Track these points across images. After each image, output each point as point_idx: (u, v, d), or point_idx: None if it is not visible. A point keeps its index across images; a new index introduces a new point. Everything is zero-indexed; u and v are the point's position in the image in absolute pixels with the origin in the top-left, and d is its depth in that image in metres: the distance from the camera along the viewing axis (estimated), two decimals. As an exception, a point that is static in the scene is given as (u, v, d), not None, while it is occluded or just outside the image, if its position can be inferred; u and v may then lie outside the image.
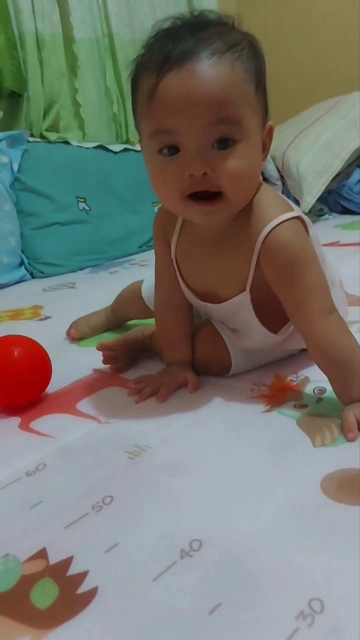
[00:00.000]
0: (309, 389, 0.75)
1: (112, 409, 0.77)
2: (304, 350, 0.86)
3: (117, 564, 0.47)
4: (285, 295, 0.70)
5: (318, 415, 0.68)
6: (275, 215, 0.69)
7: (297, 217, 0.70)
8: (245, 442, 0.64)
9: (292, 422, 0.68)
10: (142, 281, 1.03)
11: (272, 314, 0.75)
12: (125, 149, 2.18)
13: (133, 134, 2.25)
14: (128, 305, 1.05)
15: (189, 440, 0.66)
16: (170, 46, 0.60)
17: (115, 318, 1.10)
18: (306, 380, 0.78)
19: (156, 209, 2.20)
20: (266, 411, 0.71)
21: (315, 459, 0.59)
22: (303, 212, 0.75)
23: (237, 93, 0.61)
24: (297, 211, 0.71)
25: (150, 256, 1.92)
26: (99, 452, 0.66)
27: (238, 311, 0.76)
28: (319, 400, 0.72)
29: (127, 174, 2.12)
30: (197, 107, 0.60)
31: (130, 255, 1.93)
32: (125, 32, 2.19)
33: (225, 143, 0.62)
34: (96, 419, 0.74)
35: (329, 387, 0.74)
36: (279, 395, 0.75)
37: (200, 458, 0.62)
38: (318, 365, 0.70)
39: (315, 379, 0.78)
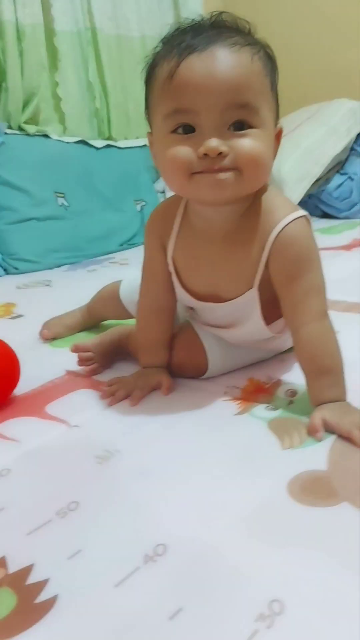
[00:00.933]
0: (280, 392, 0.76)
1: (83, 412, 0.76)
2: (278, 355, 0.87)
3: (79, 570, 0.47)
4: (286, 291, 0.70)
5: (288, 418, 0.69)
6: (287, 212, 0.70)
7: (305, 216, 0.71)
8: (215, 445, 0.64)
9: (263, 424, 0.68)
10: (120, 282, 1.03)
11: (272, 310, 0.75)
12: (108, 146, 2.17)
13: (116, 131, 2.24)
14: (105, 305, 1.05)
15: (159, 444, 0.66)
16: (191, 35, 0.63)
17: (91, 318, 1.09)
18: (278, 382, 0.79)
19: (138, 206, 2.20)
20: (238, 414, 0.71)
21: (282, 461, 0.60)
22: None
23: (256, 82, 0.63)
24: (303, 211, 0.72)
25: (131, 255, 1.93)
26: (67, 457, 0.66)
27: (242, 308, 0.76)
28: (290, 402, 0.73)
29: (109, 170, 2.11)
30: (217, 89, 0.61)
31: (110, 253, 1.92)
32: (109, 26, 2.17)
33: (242, 127, 0.62)
34: (65, 422, 0.74)
35: (300, 390, 0.74)
36: (252, 398, 0.75)
37: (169, 462, 0.62)
38: (300, 365, 0.71)
39: (287, 381, 0.78)
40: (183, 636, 0.40)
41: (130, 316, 0.99)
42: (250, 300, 0.74)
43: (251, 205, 0.71)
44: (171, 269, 0.79)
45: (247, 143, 0.62)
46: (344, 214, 2.10)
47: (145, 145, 2.27)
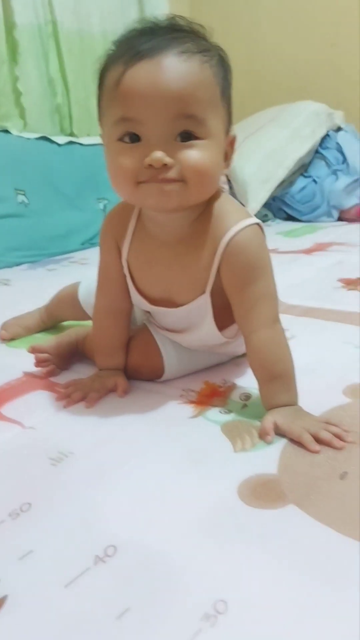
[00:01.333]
0: (235, 395, 0.77)
1: (38, 413, 0.76)
2: (233, 359, 0.89)
3: (29, 571, 0.48)
4: (237, 298, 0.72)
5: (241, 421, 0.70)
6: (238, 219, 0.70)
7: (258, 224, 0.72)
8: (169, 448, 0.65)
9: (216, 427, 0.69)
10: (79, 283, 1.03)
11: (225, 315, 0.76)
12: (71, 142, 2.15)
13: (78, 127, 2.23)
14: (64, 307, 1.05)
15: (113, 447, 0.67)
16: (142, 40, 0.62)
17: (50, 319, 1.09)
18: (233, 386, 0.80)
19: (101, 205, 2.19)
20: (193, 417, 0.72)
21: (234, 464, 0.61)
22: None
23: (204, 93, 0.62)
24: (255, 218, 0.73)
25: (91, 254, 1.92)
26: (21, 458, 0.65)
27: (195, 314, 0.77)
28: (244, 406, 0.74)
29: (71, 168, 2.09)
30: (162, 99, 0.60)
31: (70, 252, 1.91)
32: (70, 20, 2.16)
33: (188, 138, 0.62)
34: (20, 423, 0.73)
35: (254, 393, 0.76)
36: (207, 401, 0.76)
37: (122, 464, 0.63)
38: (252, 370, 0.72)
39: (241, 385, 0.80)
40: (129, 634, 0.41)
41: (88, 318, 0.99)
42: (203, 306, 0.75)
43: (204, 212, 0.72)
44: (126, 272, 0.79)
45: (193, 155, 0.62)
46: (307, 217, 2.14)
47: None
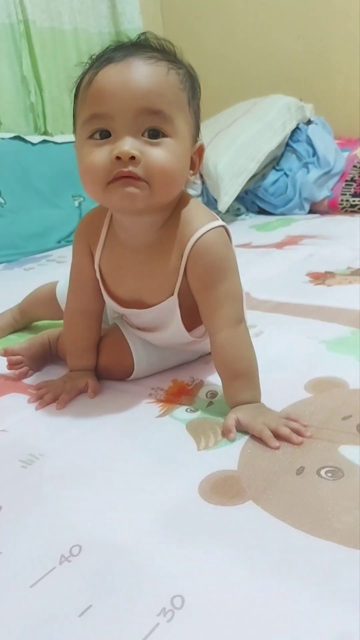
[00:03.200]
0: (202, 393, 0.80)
1: (10, 416, 0.78)
2: (202, 356, 0.91)
3: (-4, 572, 0.50)
4: (203, 299, 0.74)
5: (206, 419, 0.73)
6: (203, 222, 0.73)
7: (223, 227, 0.75)
8: (135, 448, 0.68)
9: (182, 426, 0.72)
10: (56, 283, 1.04)
11: (193, 316, 0.79)
12: (44, 141, 2.15)
13: (52, 126, 2.23)
14: (41, 305, 1.06)
15: (82, 448, 0.69)
16: (114, 51, 0.67)
17: (23, 319, 1.10)
18: (200, 384, 0.83)
19: (76, 202, 2.19)
20: (160, 416, 0.75)
21: (196, 462, 0.63)
22: (220, 211, 0.79)
23: (170, 93, 0.66)
24: (221, 221, 0.75)
25: (69, 252, 1.89)
26: (-8, 461, 0.68)
27: (164, 314, 0.79)
28: (210, 404, 0.77)
29: (46, 166, 2.09)
30: (131, 94, 0.64)
31: (47, 251, 1.91)
32: (42, 19, 2.15)
33: (156, 135, 0.65)
34: (-8, 426, 0.76)
35: (220, 391, 0.78)
36: (174, 400, 0.79)
37: (90, 465, 0.65)
38: (216, 369, 0.75)
39: (208, 382, 0.83)
40: (90, 631, 0.43)
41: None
42: (171, 307, 0.78)
43: (171, 217, 0.74)
44: (98, 276, 0.81)
45: (159, 154, 0.65)
46: (280, 210, 2.15)
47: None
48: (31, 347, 0.92)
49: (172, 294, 0.76)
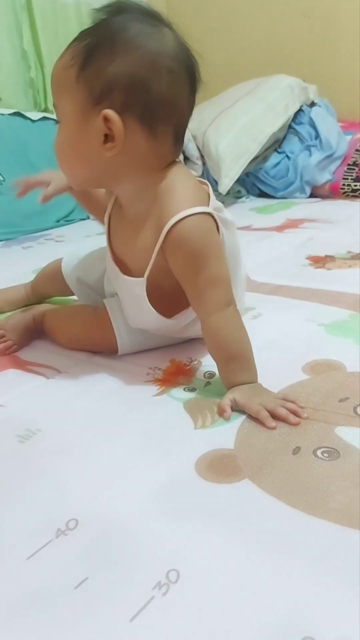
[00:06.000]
0: (199, 373, 0.80)
1: (8, 392, 0.78)
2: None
3: (-7, 544, 0.50)
4: (187, 285, 0.74)
5: (204, 399, 0.73)
6: (182, 207, 0.70)
7: (208, 214, 0.72)
8: (133, 425, 0.68)
9: (179, 405, 0.72)
10: (62, 259, 1.04)
11: (166, 300, 0.78)
12: (44, 118, 2.12)
13: (51, 101, 2.20)
14: (48, 282, 1.06)
15: (79, 424, 0.69)
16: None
17: (35, 295, 1.09)
18: (199, 364, 0.83)
19: (76, 181, 2.19)
20: (157, 394, 0.75)
21: (193, 440, 0.64)
22: (220, 193, 0.78)
23: (57, 79, 0.71)
24: (210, 207, 0.73)
25: (67, 232, 1.92)
26: (-11, 436, 0.68)
27: (134, 296, 0.79)
28: (208, 384, 0.77)
29: (45, 144, 2.05)
30: None
31: (46, 230, 1.90)
32: (44, -8, 2.12)
33: (58, 123, 0.72)
34: (-10, 402, 0.76)
35: (217, 371, 0.79)
36: (172, 379, 0.79)
37: (87, 441, 0.65)
38: (210, 353, 0.75)
39: (207, 363, 0.82)
40: (85, 603, 0.43)
41: (72, 293, 1.02)
42: (139, 289, 0.77)
43: (157, 193, 0.72)
44: (106, 225, 0.84)
45: (54, 142, 0.73)
46: (281, 193, 2.14)
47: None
48: (14, 321, 0.94)
49: (142, 276, 0.76)
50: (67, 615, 0.42)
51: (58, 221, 1.98)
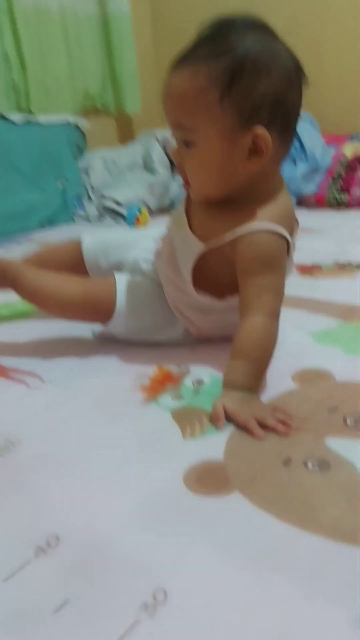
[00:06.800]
0: (188, 381, 0.78)
1: (-13, 399, 0.75)
2: (189, 345, 0.89)
3: (-31, 564, 0.47)
4: (243, 283, 0.74)
5: (192, 408, 0.71)
6: (274, 222, 0.73)
7: (287, 241, 0.75)
8: (118, 435, 0.66)
9: (167, 414, 0.70)
10: (78, 242, 1.02)
11: (204, 281, 0.81)
12: (28, 121, 2.10)
13: (35, 104, 2.17)
14: (56, 258, 1.02)
15: (61, 434, 0.66)
16: (190, 46, 0.70)
17: None
18: (186, 371, 0.81)
19: (60, 184, 2.15)
20: (144, 403, 0.73)
21: (181, 451, 0.62)
22: None
23: (191, 101, 0.69)
24: (285, 232, 0.74)
25: (51, 235, 1.89)
26: (-34, 446, 0.65)
27: (185, 252, 0.80)
28: (196, 392, 0.75)
29: (28, 146, 2.04)
30: (166, 111, 0.72)
31: (29, 232, 1.88)
32: (26, -1, 2.09)
33: (188, 144, 0.72)
34: (-32, 410, 0.73)
35: (206, 380, 0.77)
36: (159, 387, 0.77)
37: (69, 452, 0.62)
38: (232, 347, 0.72)
39: (195, 371, 0.81)
40: (66, 628, 0.41)
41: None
42: (194, 248, 0.78)
43: (260, 194, 0.75)
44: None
45: (188, 162, 0.74)
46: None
47: (67, 122, 2.22)
48: None
49: (204, 243, 0.77)
50: (45, 642, 0.40)
51: (41, 224, 1.95)
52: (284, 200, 0.77)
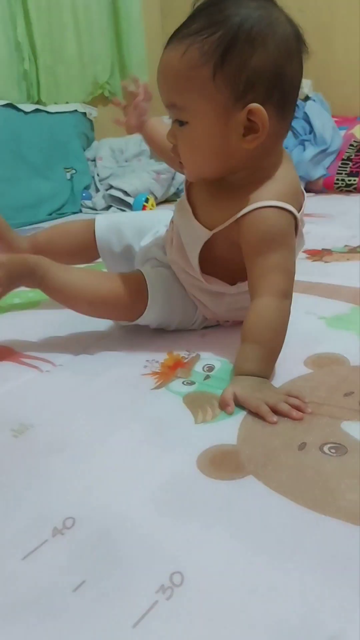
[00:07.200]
0: (198, 367, 0.78)
1: (1, 384, 0.75)
2: (198, 330, 0.89)
3: (-14, 544, 0.47)
4: (253, 262, 0.72)
5: (204, 393, 0.70)
6: (277, 198, 0.71)
7: (290, 212, 0.72)
8: (131, 419, 0.65)
9: (178, 399, 0.69)
10: (92, 222, 1.01)
11: (211, 267, 0.80)
12: (37, 110, 2.09)
13: (45, 94, 2.17)
14: (65, 241, 1.01)
15: (75, 418, 0.66)
16: (184, 21, 0.68)
17: (28, 250, 1.00)
18: (197, 357, 0.80)
19: (68, 174, 2.15)
20: (155, 388, 0.72)
21: (194, 435, 0.61)
22: None
23: (183, 79, 0.66)
24: (291, 207, 0.72)
25: (59, 224, 1.89)
26: (-19, 430, 0.65)
27: (192, 237, 0.79)
28: (207, 377, 0.75)
29: (37, 136, 2.04)
30: (160, 90, 0.71)
31: (38, 223, 1.87)
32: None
33: (182, 122, 0.70)
34: (-18, 395, 0.73)
35: (217, 365, 0.77)
36: (170, 373, 0.76)
37: (84, 436, 0.62)
38: (242, 331, 0.72)
39: (205, 356, 0.80)
40: (85, 607, 0.41)
41: (88, 260, 1.02)
42: (200, 236, 0.77)
43: (261, 173, 0.73)
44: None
45: (180, 142, 0.72)
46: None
47: (75, 111, 2.21)
48: (11, 264, 0.81)
49: (210, 231, 0.76)
50: (65, 620, 0.40)
51: (50, 214, 1.95)
52: (287, 175, 0.75)
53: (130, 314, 0.84)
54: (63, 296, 0.83)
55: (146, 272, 0.85)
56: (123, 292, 0.82)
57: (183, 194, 0.83)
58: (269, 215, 0.71)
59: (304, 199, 0.78)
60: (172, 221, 0.88)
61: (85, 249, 0.99)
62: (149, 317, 0.84)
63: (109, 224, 0.99)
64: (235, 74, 0.65)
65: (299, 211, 0.74)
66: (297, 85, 0.70)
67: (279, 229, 0.71)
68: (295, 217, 0.73)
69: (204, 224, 0.77)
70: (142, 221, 1.01)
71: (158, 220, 0.98)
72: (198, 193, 0.80)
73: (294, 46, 0.67)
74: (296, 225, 0.74)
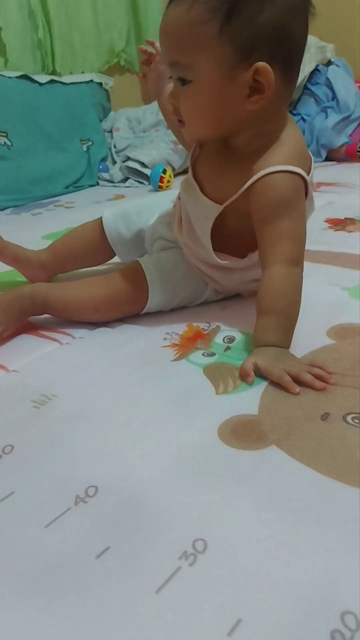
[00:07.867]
0: (218, 338, 0.77)
1: (22, 357, 0.76)
2: (218, 301, 0.88)
3: (10, 512, 0.48)
4: (263, 230, 0.71)
5: (224, 364, 0.70)
6: (285, 162, 0.70)
7: (300, 175, 0.70)
8: (151, 391, 0.65)
9: (198, 370, 0.69)
10: (99, 218, 1.00)
11: (224, 240, 0.79)
12: (52, 81, 2.06)
13: (60, 64, 2.13)
14: (77, 241, 1.01)
15: (95, 390, 0.66)
16: None
17: (53, 259, 1.00)
18: (217, 329, 0.80)
19: (84, 146, 2.12)
20: (175, 360, 0.72)
21: (215, 406, 0.61)
22: None
23: (188, 37, 0.64)
24: (301, 170, 0.71)
25: (77, 198, 1.88)
26: (4, 401, 0.65)
27: (203, 215, 0.77)
28: (227, 348, 0.74)
29: (53, 108, 2.01)
30: (162, 49, 0.69)
31: (55, 196, 1.87)
32: None
33: (184, 81, 0.67)
34: (4, 367, 0.73)
35: (238, 337, 0.76)
36: (190, 344, 0.76)
37: (105, 407, 0.62)
38: (256, 303, 0.71)
39: (225, 328, 0.79)
40: (108, 573, 0.41)
41: (106, 256, 1.00)
42: (210, 211, 0.76)
43: (267, 137, 0.71)
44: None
45: (182, 101, 0.69)
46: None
47: (91, 81, 2.18)
48: (8, 300, 0.81)
49: (221, 205, 0.75)
50: (89, 586, 0.40)
51: (67, 187, 1.94)
52: (293, 137, 0.73)
53: (136, 306, 0.84)
54: (69, 312, 0.84)
55: (142, 260, 0.85)
56: (123, 287, 0.82)
57: (188, 173, 0.81)
58: (278, 181, 0.70)
59: (311, 162, 0.76)
60: (178, 197, 0.87)
61: (100, 246, 0.98)
62: (154, 303, 0.83)
63: (115, 213, 0.98)
64: (242, 31, 0.63)
65: (308, 174, 0.72)
66: (302, 48, 0.68)
67: (288, 195, 0.70)
68: (305, 180, 0.71)
69: (212, 199, 0.76)
70: (149, 203, 1.00)
71: (164, 201, 0.96)
72: (204, 168, 0.78)
73: (301, 5, 0.65)
74: (306, 188, 0.72)
